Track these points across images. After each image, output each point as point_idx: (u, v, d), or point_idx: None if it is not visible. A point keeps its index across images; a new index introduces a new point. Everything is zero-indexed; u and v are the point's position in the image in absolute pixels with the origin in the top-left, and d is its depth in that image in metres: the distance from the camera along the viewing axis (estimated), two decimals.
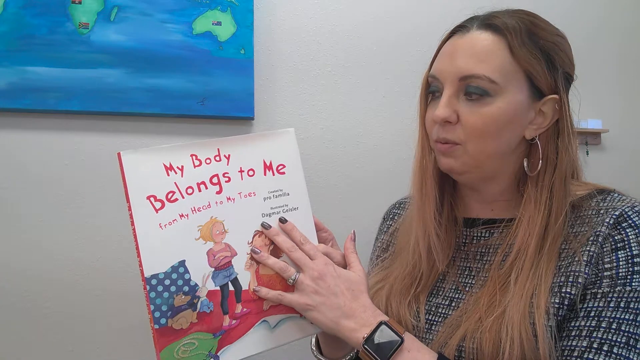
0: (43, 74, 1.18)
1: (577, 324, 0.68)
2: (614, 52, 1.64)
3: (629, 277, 0.68)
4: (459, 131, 0.75)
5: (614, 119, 1.61)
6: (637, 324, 0.66)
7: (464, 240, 0.83)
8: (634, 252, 0.69)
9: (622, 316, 0.67)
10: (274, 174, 0.76)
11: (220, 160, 0.74)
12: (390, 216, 0.97)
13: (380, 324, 0.70)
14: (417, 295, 0.81)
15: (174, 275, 0.68)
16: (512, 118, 0.74)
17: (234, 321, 0.72)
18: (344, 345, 0.84)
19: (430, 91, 0.80)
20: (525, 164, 0.77)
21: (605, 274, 0.69)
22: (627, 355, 0.65)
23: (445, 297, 0.80)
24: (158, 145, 0.71)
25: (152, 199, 0.69)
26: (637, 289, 0.68)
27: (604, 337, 0.66)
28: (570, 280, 0.70)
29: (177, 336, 0.68)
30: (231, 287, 0.72)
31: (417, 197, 0.83)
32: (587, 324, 0.68)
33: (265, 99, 1.35)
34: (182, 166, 0.71)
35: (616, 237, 0.70)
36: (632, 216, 0.71)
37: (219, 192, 0.73)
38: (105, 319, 1.22)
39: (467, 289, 0.79)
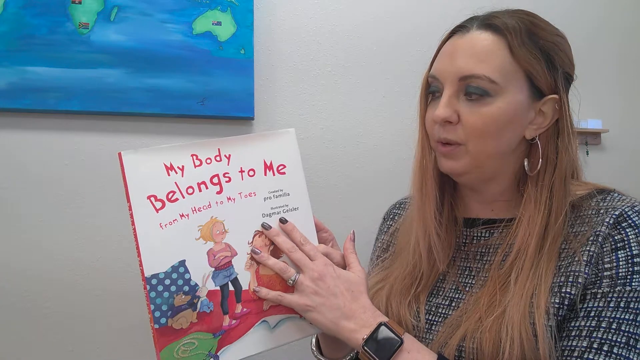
0: (43, 74, 1.18)
1: (577, 324, 0.68)
2: (614, 52, 1.64)
3: (628, 277, 0.68)
4: (460, 131, 0.75)
5: (614, 119, 1.61)
6: (637, 323, 0.66)
7: (464, 240, 0.83)
8: (634, 252, 0.69)
9: (622, 316, 0.67)
10: (274, 174, 0.76)
11: (220, 160, 0.74)
12: (391, 216, 0.97)
13: (380, 325, 0.70)
14: (417, 295, 0.81)
15: (174, 275, 0.69)
16: (512, 118, 0.74)
17: (233, 321, 0.72)
18: (344, 345, 0.84)
19: (431, 91, 0.80)
20: (525, 163, 0.77)
21: (605, 274, 0.69)
22: (627, 355, 0.65)
23: (446, 297, 0.80)
24: (158, 145, 0.71)
25: (152, 198, 0.69)
26: (637, 288, 0.68)
27: (604, 337, 0.66)
28: (570, 280, 0.70)
29: (177, 336, 0.68)
30: (231, 287, 0.72)
31: (417, 197, 0.83)
32: (587, 324, 0.68)
33: (265, 99, 1.35)
34: (183, 166, 0.71)
35: (616, 237, 0.70)
36: (632, 216, 0.71)
37: (219, 192, 0.73)
38: (105, 319, 1.22)
39: (467, 289, 0.79)
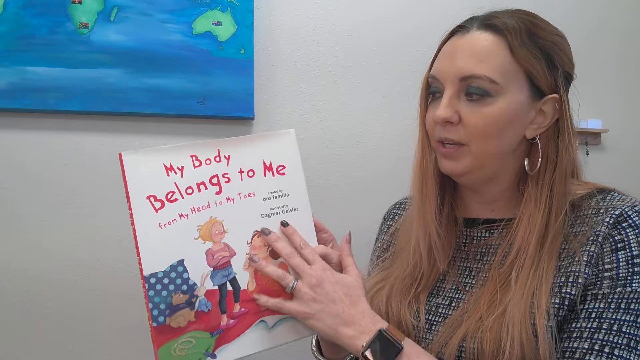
0: (43, 74, 1.18)
1: (578, 325, 0.68)
2: (614, 52, 1.64)
3: (629, 277, 0.68)
4: (461, 131, 0.75)
5: (614, 119, 1.61)
6: (638, 325, 0.66)
7: (464, 240, 0.83)
8: (634, 253, 0.69)
9: (623, 317, 0.67)
10: (274, 175, 0.76)
11: (220, 161, 0.74)
12: (391, 216, 0.97)
13: (380, 331, 0.69)
14: (418, 295, 0.81)
15: (173, 274, 0.69)
16: (513, 118, 0.74)
17: (231, 320, 0.72)
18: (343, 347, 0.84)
19: (431, 92, 0.80)
20: (525, 163, 0.78)
21: (605, 274, 0.69)
22: (627, 357, 0.65)
23: (445, 297, 0.80)
24: (158, 146, 0.71)
25: (152, 198, 0.69)
26: (638, 289, 0.67)
27: (605, 338, 0.66)
28: (570, 280, 0.70)
29: (175, 334, 0.69)
30: (229, 287, 0.72)
31: (418, 197, 0.82)
32: (588, 326, 0.68)
33: (265, 99, 1.35)
34: (182, 166, 0.71)
35: (616, 238, 0.70)
36: (632, 216, 0.71)
37: (218, 193, 0.73)
38: (105, 319, 1.23)
39: (467, 289, 0.79)
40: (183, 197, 0.71)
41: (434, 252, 0.81)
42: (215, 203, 0.72)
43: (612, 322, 0.67)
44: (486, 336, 0.70)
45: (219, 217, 0.72)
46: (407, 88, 1.43)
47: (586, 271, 0.69)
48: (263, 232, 0.74)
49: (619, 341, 0.66)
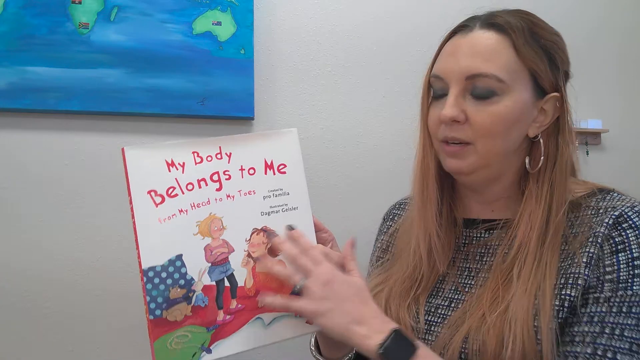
0: (43, 74, 1.18)
1: (581, 329, 0.68)
2: (614, 52, 1.64)
3: (629, 280, 0.68)
4: (468, 130, 0.75)
5: (614, 119, 1.61)
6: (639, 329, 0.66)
7: (463, 241, 0.83)
8: (635, 255, 0.69)
9: (625, 321, 0.66)
10: (274, 173, 0.76)
11: (221, 158, 0.74)
12: (390, 217, 0.97)
13: (395, 331, 0.68)
14: (417, 297, 0.81)
15: (171, 269, 0.69)
16: (519, 117, 0.74)
17: (228, 316, 0.72)
18: (343, 345, 0.84)
19: (433, 91, 0.80)
20: (527, 161, 0.78)
21: (606, 277, 0.69)
22: None
23: (445, 298, 0.80)
24: (160, 142, 0.72)
25: (152, 193, 0.70)
26: (638, 292, 0.67)
27: (607, 343, 0.66)
28: (570, 282, 0.70)
29: (171, 327, 0.69)
30: (227, 283, 0.72)
31: (418, 199, 0.82)
32: (591, 330, 0.67)
33: (265, 99, 1.35)
34: (184, 163, 0.72)
35: (617, 239, 0.70)
36: (632, 217, 0.71)
37: (218, 190, 0.73)
38: (105, 319, 1.22)
39: (466, 289, 0.79)
40: (183, 193, 0.71)
41: (434, 254, 0.80)
42: (215, 200, 0.73)
43: (614, 326, 0.66)
44: (489, 334, 0.69)
45: (218, 213, 0.73)
46: (407, 88, 1.43)
47: (586, 273, 0.69)
48: (268, 236, 0.74)
49: (621, 346, 0.65)
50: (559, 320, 0.69)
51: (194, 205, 0.72)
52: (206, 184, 0.73)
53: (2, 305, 1.18)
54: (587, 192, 0.77)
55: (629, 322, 0.66)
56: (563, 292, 0.69)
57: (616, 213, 0.71)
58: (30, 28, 1.18)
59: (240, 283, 0.73)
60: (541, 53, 0.75)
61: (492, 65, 0.73)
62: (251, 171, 0.75)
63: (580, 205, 0.76)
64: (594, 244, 0.70)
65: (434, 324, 0.78)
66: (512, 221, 0.78)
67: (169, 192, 0.71)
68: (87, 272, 1.23)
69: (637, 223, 0.70)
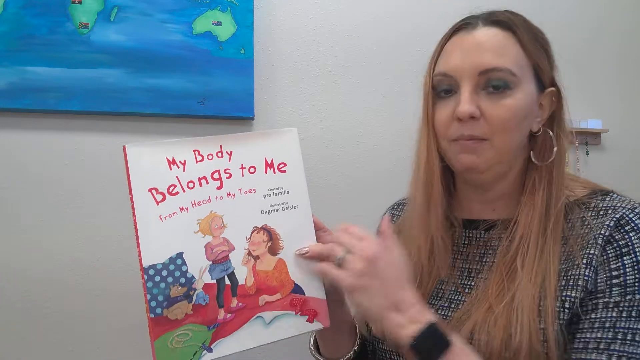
0: (43, 74, 1.18)
1: (594, 335, 0.68)
2: (614, 52, 1.65)
3: (636, 284, 0.68)
4: (484, 126, 0.74)
5: (614, 119, 1.61)
6: None
7: (463, 242, 0.83)
8: (639, 258, 0.69)
9: (636, 326, 0.66)
10: (275, 172, 0.77)
11: (222, 156, 0.75)
12: (389, 218, 0.97)
13: (430, 324, 0.66)
14: None
15: (172, 267, 0.69)
16: (529, 110, 0.76)
17: (228, 315, 0.72)
18: (342, 345, 0.84)
19: (439, 90, 0.79)
20: (531, 155, 0.78)
21: (613, 281, 0.68)
22: None
23: (446, 299, 0.80)
24: (161, 140, 0.72)
25: (153, 191, 0.70)
26: None
27: (622, 349, 0.66)
28: (570, 284, 0.70)
29: (172, 326, 0.69)
30: (227, 281, 0.73)
31: (422, 202, 0.80)
32: (604, 336, 0.67)
33: (265, 99, 1.35)
34: (185, 161, 0.73)
35: (620, 242, 0.70)
36: (633, 219, 0.71)
37: (219, 188, 0.74)
38: (105, 319, 1.22)
39: (466, 290, 0.79)
40: (184, 191, 0.72)
41: (436, 257, 0.80)
42: (216, 198, 0.73)
43: (626, 331, 0.66)
44: (496, 324, 0.69)
45: (219, 211, 0.73)
46: (407, 88, 1.43)
47: (586, 273, 0.69)
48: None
49: (634, 351, 0.65)
50: (561, 322, 0.68)
51: (195, 203, 0.72)
52: (207, 182, 0.73)
53: (2, 305, 1.18)
54: (586, 192, 0.77)
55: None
56: (564, 294, 0.69)
57: (617, 215, 0.71)
58: (30, 28, 1.18)
59: (241, 281, 0.73)
60: (540, 49, 0.77)
61: (506, 60, 0.74)
62: (252, 170, 0.76)
63: (580, 206, 0.76)
64: (594, 245, 0.70)
65: None
66: (512, 219, 0.78)
67: (170, 190, 0.71)
68: (87, 272, 1.23)
69: (639, 225, 0.70)
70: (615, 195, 0.75)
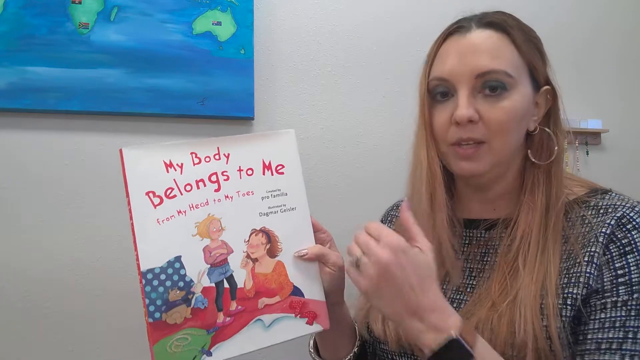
0: (43, 74, 1.18)
1: (605, 335, 0.68)
2: (614, 52, 1.64)
3: None
4: (482, 129, 0.75)
5: (614, 119, 1.61)
6: None
7: (464, 242, 0.83)
8: None
9: None
10: (272, 174, 0.77)
11: (219, 158, 0.74)
12: (388, 219, 0.97)
13: (451, 339, 0.63)
14: None
15: (170, 270, 0.69)
16: (526, 111, 0.76)
17: (228, 318, 0.72)
18: (342, 347, 0.84)
19: (435, 94, 0.79)
20: (529, 154, 0.78)
21: (619, 280, 0.69)
22: None
23: (447, 299, 0.79)
24: (158, 143, 0.72)
25: (151, 194, 0.70)
26: None
27: (633, 348, 0.66)
28: (572, 281, 0.70)
29: (171, 330, 0.69)
30: (226, 285, 0.72)
31: (426, 206, 0.79)
32: (615, 336, 0.67)
33: (265, 99, 1.35)
34: (182, 164, 0.72)
35: (623, 241, 0.70)
36: (634, 217, 0.71)
37: (217, 190, 0.73)
38: (105, 319, 1.22)
39: (468, 289, 0.79)
40: (182, 194, 0.72)
41: (447, 265, 0.78)
42: (214, 200, 0.73)
43: (637, 330, 0.67)
44: (500, 322, 0.69)
45: (217, 214, 0.73)
46: (407, 88, 1.43)
47: (588, 270, 0.69)
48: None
49: None
50: (564, 319, 0.69)
51: (193, 206, 0.72)
52: (204, 185, 0.73)
53: (2, 305, 1.18)
54: (585, 191, 0.77)
55: None
56: (566, 291, 0.70)
57: (618, 214, 0.71)
58: (30, 28, 1.18)
59: (240, 284, 0.73)
60: (534, 48, 0.77)
61: (502, 62, 0.74)
62: (249, 172, 0.75)
63: (579, 205, 0.76)
64: (595, 243, 0.71)
65: None
66: (512, 218, 0.78)
67: (168, 193, 0.71)
68: (87, 272, 1.23)
69: None
70: (614, 194, 0.76)
